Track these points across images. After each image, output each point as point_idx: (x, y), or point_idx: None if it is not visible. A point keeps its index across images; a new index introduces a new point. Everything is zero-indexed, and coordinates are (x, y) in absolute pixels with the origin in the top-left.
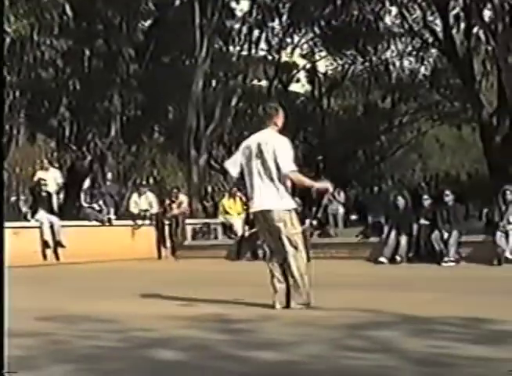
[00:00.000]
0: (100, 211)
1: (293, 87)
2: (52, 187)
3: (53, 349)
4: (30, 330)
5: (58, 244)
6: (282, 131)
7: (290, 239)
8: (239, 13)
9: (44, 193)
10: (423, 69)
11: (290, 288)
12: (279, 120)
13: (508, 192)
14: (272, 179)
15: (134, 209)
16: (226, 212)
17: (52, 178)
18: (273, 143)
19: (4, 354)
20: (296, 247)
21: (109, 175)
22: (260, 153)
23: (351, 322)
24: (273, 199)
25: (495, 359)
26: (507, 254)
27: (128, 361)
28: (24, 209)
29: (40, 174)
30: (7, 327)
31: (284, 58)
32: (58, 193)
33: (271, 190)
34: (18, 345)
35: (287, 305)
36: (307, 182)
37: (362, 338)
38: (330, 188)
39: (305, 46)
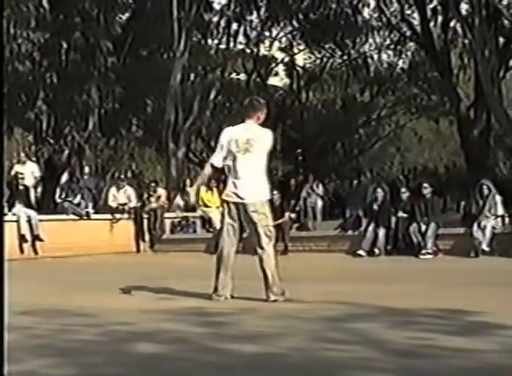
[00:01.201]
0: (78, 205)
1: (272, 80)
2: (29, 181)
3: (33, 343)
4: (9, 324)
5: (36, 238)
6: (262, 125)
7: (265, 230)
8: (217, 6)
9: (21, 187)
10: (401, 62)
11: (269, 281)
12: (263, 115)
13: (485, 186)
14: (256, 172)
15: (112, 203)
16: (205, 205)
17: (29, 172)
18: (263, 141)
19: (4, 351)
20: (270, 238)
21: (86, 169)
22: (250, 148)
23: (331, 314)
24: (255, 191)
25: (475, 350)
26: (484, 247)
27: (107, 355)
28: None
29: (17, 168)
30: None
31: (263, 51)
32: (35, 186)
33: (254, 183)
34: None
35: (266, 299)
36: None
37: (341, 331)
38: None
39: (284, 39)
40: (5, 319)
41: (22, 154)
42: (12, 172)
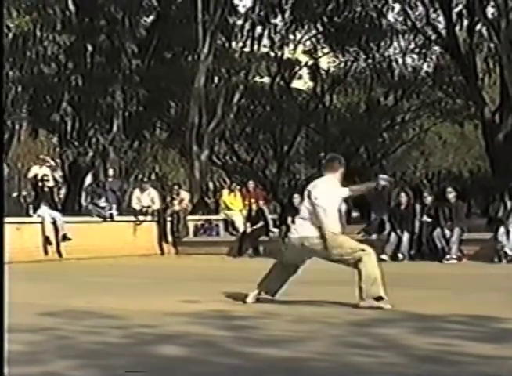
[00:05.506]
0: (103, 208)
1: (296, 84)
2: (51, 183)
3: (58, 344)
4: (34, 326)
5: (64, 237)
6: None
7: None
8: (241, 9)
9: (46, 189)
10: (425, 66)
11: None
12: (339, 172)
13: None
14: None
15: (136, 205)
16: (228, 208)
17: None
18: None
19: (4, 351)
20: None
21: (110, 171)
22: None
23: (355, 319)
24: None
25: (498, 356)
26: (507, 250)
27: (131, 357)
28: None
29: (35, 170)
30: (11, 322)
31: (287, 54)
32: (59, 188)
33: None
34: (23, 340)
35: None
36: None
37: (365, 335)
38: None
39: (308, 43)
40: (5, 319)
41: (41, 156)
42: (30, 174)
